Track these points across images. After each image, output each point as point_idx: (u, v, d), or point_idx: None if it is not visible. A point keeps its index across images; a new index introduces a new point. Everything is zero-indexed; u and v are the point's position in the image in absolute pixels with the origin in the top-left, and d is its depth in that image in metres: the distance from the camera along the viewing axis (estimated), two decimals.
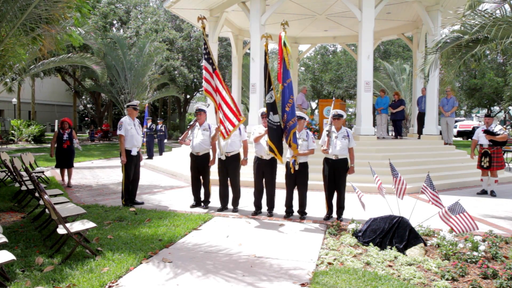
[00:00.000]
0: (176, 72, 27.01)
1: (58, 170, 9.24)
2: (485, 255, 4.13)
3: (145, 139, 14.14)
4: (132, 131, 6.53)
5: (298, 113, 5.86)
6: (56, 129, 8.57)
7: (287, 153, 5.71)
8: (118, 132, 6.52)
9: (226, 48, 28.19)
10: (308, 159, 5.85)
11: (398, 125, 12.42)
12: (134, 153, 6.57)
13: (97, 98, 31.64)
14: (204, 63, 6.02)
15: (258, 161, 5.94)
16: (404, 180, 4.98)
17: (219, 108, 5.93)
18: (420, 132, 12.09)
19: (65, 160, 8.41)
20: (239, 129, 6.16)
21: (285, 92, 5.57)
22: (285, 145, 5.73)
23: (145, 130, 14.18)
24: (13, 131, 23.58)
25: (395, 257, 4.12)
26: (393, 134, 12.66)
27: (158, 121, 16.34)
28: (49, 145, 7.13)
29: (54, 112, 37.95)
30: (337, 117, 5.72)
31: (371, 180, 5.84)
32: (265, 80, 5.72)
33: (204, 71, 6.01)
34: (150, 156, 14.22)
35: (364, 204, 5.04)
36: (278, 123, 5.59)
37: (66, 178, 8.65)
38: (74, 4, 6.13)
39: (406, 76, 23.85)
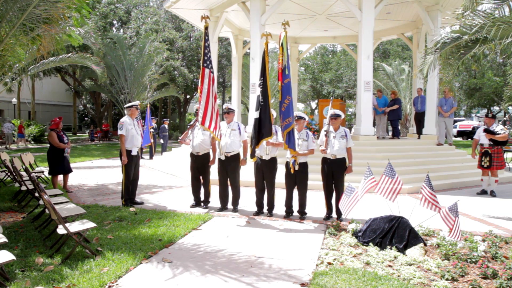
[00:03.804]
0: (176, 72, 27.03)
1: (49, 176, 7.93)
2: (485, 255, 4.14)
3: (151, 140, 14.08)
4: (132, 131, 6.54)
5: (297, 113, 5.87)
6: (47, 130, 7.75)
7: (288, 153, 5.71)
8: (119, 132, 6.49)
9: (226, 48, 28.20)
10: (308, 159, 5.85)
11: (394, 125, 12.39)
12: (134, 153, 6.58)
13: (97, 98, 31.66)
14: (203, 64, 5.92)
15: (258, 161, 5.94)
16: (401, 181, 4.95)
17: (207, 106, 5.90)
18: (418, 132, 12.07)
19: (66, 165, 7.62)
20: (239, 129, 6.16)
21: (283, 92, 5.55)
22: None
23: (151, 130, 14.16)
24: (13, 131, 23.57)
25: (395, 257, 4.12)
26: (391, 134, 12.59)
27: (164, 121, 16.38)
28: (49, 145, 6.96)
29: (54, 112, 37.96)
30: (335, 117, 5.72)
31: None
32: (260, 77, 5.69)
33: (201, 74, 5.94)
34: (151, 156, 14.24)
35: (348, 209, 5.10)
36: (256, 119, 5.57)
37: (60, 183, 7.90)
38: (73, 5, 6.13)
39: (406, 76, 23.86)
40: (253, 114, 5.67)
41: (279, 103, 5.59)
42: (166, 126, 16.11)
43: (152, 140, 14.18)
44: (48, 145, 7.66)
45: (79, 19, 6.86)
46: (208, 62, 5.88)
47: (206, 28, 6.02)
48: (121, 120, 6.58)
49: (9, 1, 5.75)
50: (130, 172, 6.56)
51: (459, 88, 29.99)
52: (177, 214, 5.99)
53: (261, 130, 5.56)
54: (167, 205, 6.73)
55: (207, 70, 5.85)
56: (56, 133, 7.50)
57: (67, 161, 7.72)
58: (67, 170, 7.72)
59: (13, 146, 20.81)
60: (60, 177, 7.98)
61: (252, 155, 5.66)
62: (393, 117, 12.19)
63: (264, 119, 5.57)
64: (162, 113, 38.51)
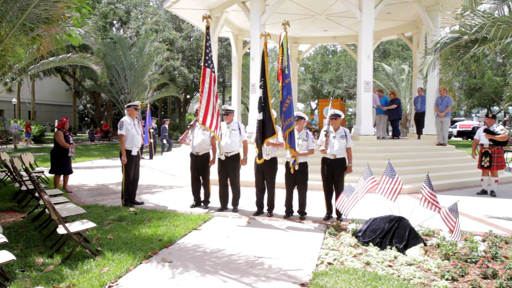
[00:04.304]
0: (176, 72, 27.03)
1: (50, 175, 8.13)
2: (485, 255, 4.14)
3: (151, 140, 14.16)
4: (132, 131, 6.54)
5: (297, 113, 5.87)
6: (55, 129, 7.88)
7: (288, 153, 5.71)
8: (119, 132, 6.50)
9: (226, 48, 28.20)
10: (308, 159, 5.85)
11: (394, 125, 12.39)
12: (134, 153, 6.57)
13: (97, 98, 31.66)
14: (205, 64, 5.91)
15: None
16: (401, 181, 4.94)
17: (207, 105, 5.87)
18: (418, 132, 12.05)
19: (68, 165, 7.65)
20: (239, 129, 6.16)
21: (283, 92, 5.55)
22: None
23: (151, 130, 14.23)
24: (20, 131, 23.58)
25: (395, 257, 4.12)
26: (392, 134, 12.58)
27: (164, 121, 16.42)
28: (50, 145, 6.86)
29: (54, 112, 37.95)
30: (335, 117, 5.73)
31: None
32: (260, 78, 5.68)
33: (202, 73, 5.94)
34: (151, 156, 14.25)
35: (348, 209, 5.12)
36: (260, 120, 5.57)
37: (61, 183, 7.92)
38: (73, 4, 6.13)
39: (406, 76, 23.87)
40: (256, 116, 5.65)
41: (280, 103, 5.59)
42: (167, 126, 16.14)
43: (152, 140, 14.22)
44: (53, 144, 7.68)
45: (79, 18, 6.86)
46: (209, 62, 5.88)
47: (207, 28, 6.00)
48: (121, 119, 6.58)
49: (9, 1, 5.75)
50: (130, 172, 6.56)
51: (459, 88, 29.99)
52: (177, 214, 5.99)
53: (264, 130, 5.56)
54: (167, 205, 6.73)
55: (208, 70, 5.85)
56: (63, 133, 7.50)
57: (70, 161, 7.74)
58: (68, 171, 7.74)
59: (19, 146, 20.94)
60: (61, 177, 7.97)
61: (260, 156, 5.65)
62: (394, 117, 12.18)
63: (265, 119, 5.57)
64: (162, 113, 38.51)
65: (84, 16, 6.68)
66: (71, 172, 7.82)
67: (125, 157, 6.46)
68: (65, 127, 7.60)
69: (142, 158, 13.28)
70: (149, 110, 14.38)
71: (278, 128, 5.97)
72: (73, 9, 6.31)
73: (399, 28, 14.25)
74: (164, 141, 15.83)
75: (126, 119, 6.59)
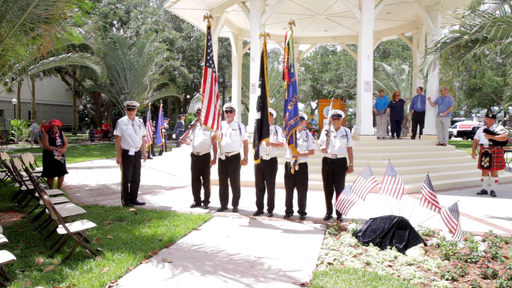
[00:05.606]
0: (176, 72, 27.02)
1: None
2: (485, 255, 4.14)
3: (162, 140, 14.29)
4: (128, 131, 6.50)
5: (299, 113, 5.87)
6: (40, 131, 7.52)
7: (287, 153, 5.71)
8: (114, 133, 6.56)
9: (226, 48, 28.20)
10: (308, 159, 5.85)
11: (399, 125, 12.44)
12: (131, 153, 6.54)
13: (97, 98, 31.65)
14: (206, 64, 5.90)
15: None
16: (401, 182, 4.93)
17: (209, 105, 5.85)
18: (415, 132, 12.03)
19: (58, 167, 7.41)
20: (239, 128, 6.17)
21: (289, 91, 5.54)
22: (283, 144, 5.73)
23: (163, 130, 14.34)
24: (13, 131, 23.62)
25: (395, 257, 4.12)
26: (392, 134, 12.60)
27: (180, 116, 16.46)
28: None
29: (54, 112, 37.94)
30: (336, 117, 5.73)
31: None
32: (259, 78, 5.67)
33: (203, 73, 5.94)
34: (160, 153, 14.38)
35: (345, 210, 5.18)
36: (258, 120, 5.56)
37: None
38: (74, 4, 6.13)
39: (406, 76, 23.86)
40: (255, 115, 5.66)
41: (285, 102, 5.56)
42: (183, 121, 16.16)
43: (163, 140, 14.35)
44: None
45: (80, 14, 6.85)
46: (210, 62, 5.89)
47: (208, 27, 6.00)
48: (118, 120, 6.61)
49: (9, 1, 5.75)
50: (127, 172, 6.55)
51: (459, 88, 29.97)
52: (177, 214, 5.99)
53: (261, 131, 5.56)
54: (167, 205, 6.73)
55: (209, 70, 5.86)
56: (49, 135, 7.36)
57: (60, 163, 7.48)
58: (60, 172, 7.52)
59: (19, 146, 21.07)
60: (55, 179, 7.81)
61: (256, 156, 5.65)
62: (402, 117, 12.29)
63: (263, 119, 5.57)
64: (163, 113, 38.47)
65: (85, 12, 6.68)
66: (65, 173, 7.63)
67: (119, 157, 6.47)
68: (53, 130, 7.43)
69: (150, 158, 13.30)
70: (161, 110, 14.46)
71: (278, 128, 5.97)
72: (73, 6, 6.30)
73: (399, 28, 14.25)
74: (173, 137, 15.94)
75: (122, 119, 6.61)
